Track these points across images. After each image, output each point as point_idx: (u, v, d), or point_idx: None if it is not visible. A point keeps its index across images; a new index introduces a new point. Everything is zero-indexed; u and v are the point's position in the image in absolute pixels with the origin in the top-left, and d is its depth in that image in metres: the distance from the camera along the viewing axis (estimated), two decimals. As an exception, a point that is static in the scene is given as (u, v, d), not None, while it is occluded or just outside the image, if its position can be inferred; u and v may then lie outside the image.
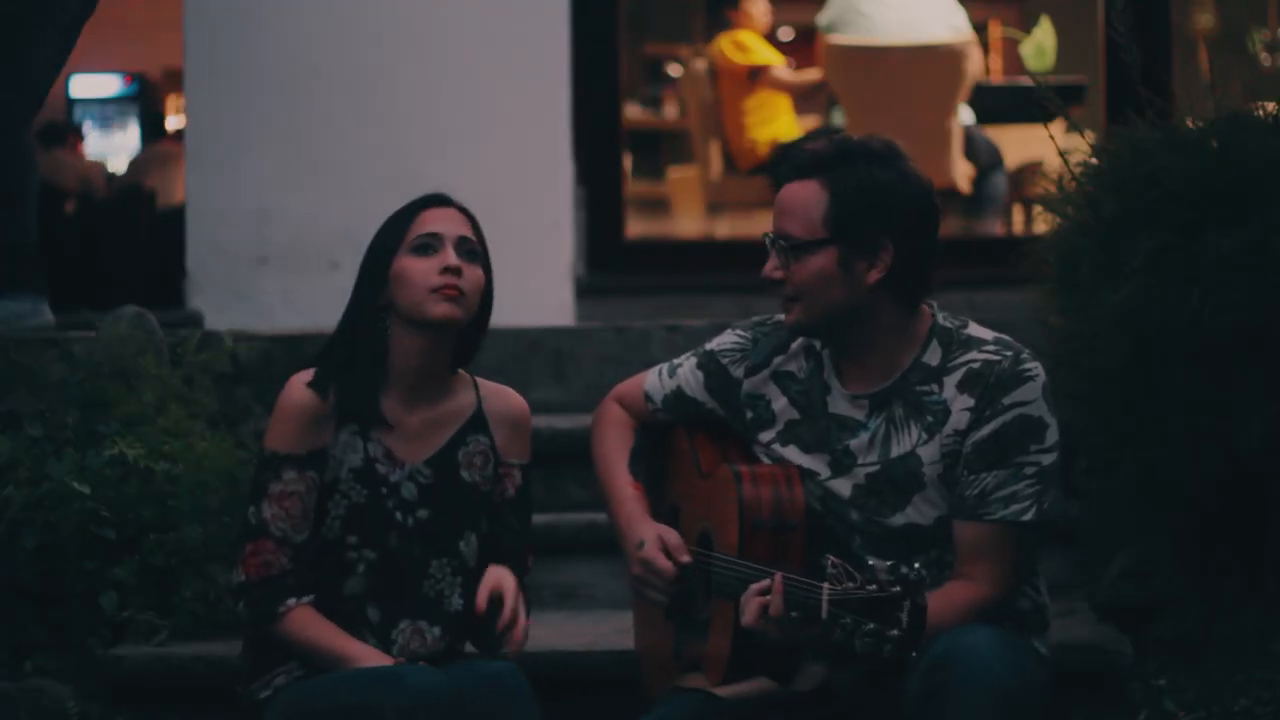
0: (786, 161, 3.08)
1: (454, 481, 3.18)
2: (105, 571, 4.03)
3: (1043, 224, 4.44)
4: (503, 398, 3.28)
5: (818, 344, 3.14)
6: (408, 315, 3.12)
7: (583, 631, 4.05)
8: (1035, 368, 3.02)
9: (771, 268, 3.06)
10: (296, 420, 3.09)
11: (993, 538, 2.98)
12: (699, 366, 3.26)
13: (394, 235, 3.15)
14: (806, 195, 3.02)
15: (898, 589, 2.61)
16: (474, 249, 3.16)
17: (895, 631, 2.60)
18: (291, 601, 3.07)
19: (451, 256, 3.11)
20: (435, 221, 3.14)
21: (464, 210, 3.19)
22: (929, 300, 3.11)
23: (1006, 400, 2.99)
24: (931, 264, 3.06)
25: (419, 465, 3.16)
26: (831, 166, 3.02)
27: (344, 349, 3.15)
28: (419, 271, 3.10)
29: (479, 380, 3.28)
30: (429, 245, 3.11)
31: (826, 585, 2.66)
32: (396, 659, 3.08)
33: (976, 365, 3.01)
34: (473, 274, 3.13)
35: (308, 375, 3.13)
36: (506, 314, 5.11)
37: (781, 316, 3.14)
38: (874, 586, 2.62)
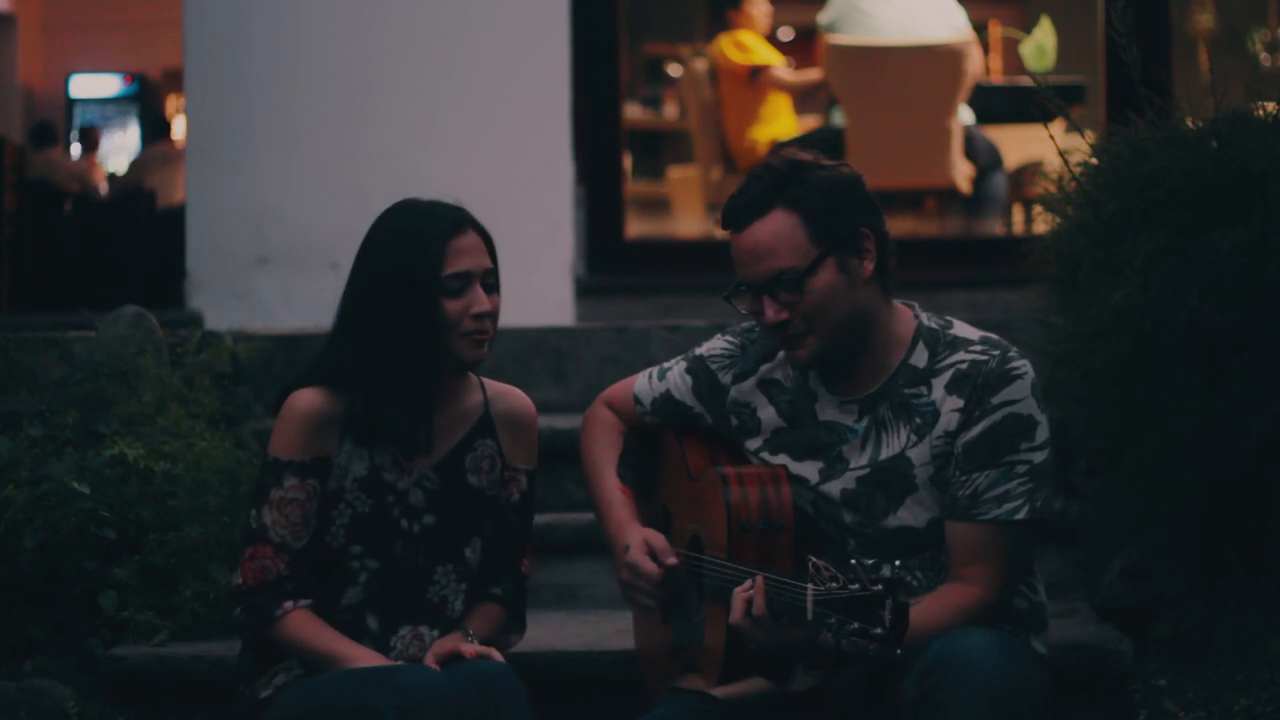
0: (734, 210, 3.04)
1: (461, 486, 3.17)
2: (105, 571, 4.04)
3: (1043, 224, 4.44)
4: (509, 400, 3.26)
5: None
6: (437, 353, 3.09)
7: (583, 631, 4.05)
8: (1023, 365, 3.02)
9: (775, 312, 3.00)
10: (302, 427, 3.07)
11: (987, 538, 2.97)
12: (688, 371, 3.25)
13: (428, 268, 3.05)
14: (778, 227, 2.99)
15: (879, 587, 2.61)
16: (495, 278, 3.12)
17: (879, 630, 2.60)
18: (288, 605, 3.06)
19: (482, 299, 3.07)
20: (464, 256, 3.07)
21: (482, 232, 3.13)
22: (908, 303, 3.11)
23: (995, 400, 2.98)
24: (890, 243, 3.06)
25: (426, 471, 3.15)
26: (781, 191, 3.00)
27: (382, 381, 3.07)
28: (451, 314, 3.06)
29: (485, 381, 3.25)
30: (460, 288, 3.07)
31: (810, 586, 2.66)
32: (394, 662, 3.07)
33: (964, 366, 3.01)
34: (497, 305, 3.11)
35: (324, 393, 3.09)
36: (507, 314, 5.09)
37: None
38: (856, 586, 2.62)
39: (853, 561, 2.67)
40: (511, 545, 3.25)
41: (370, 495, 3.11)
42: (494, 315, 3.10)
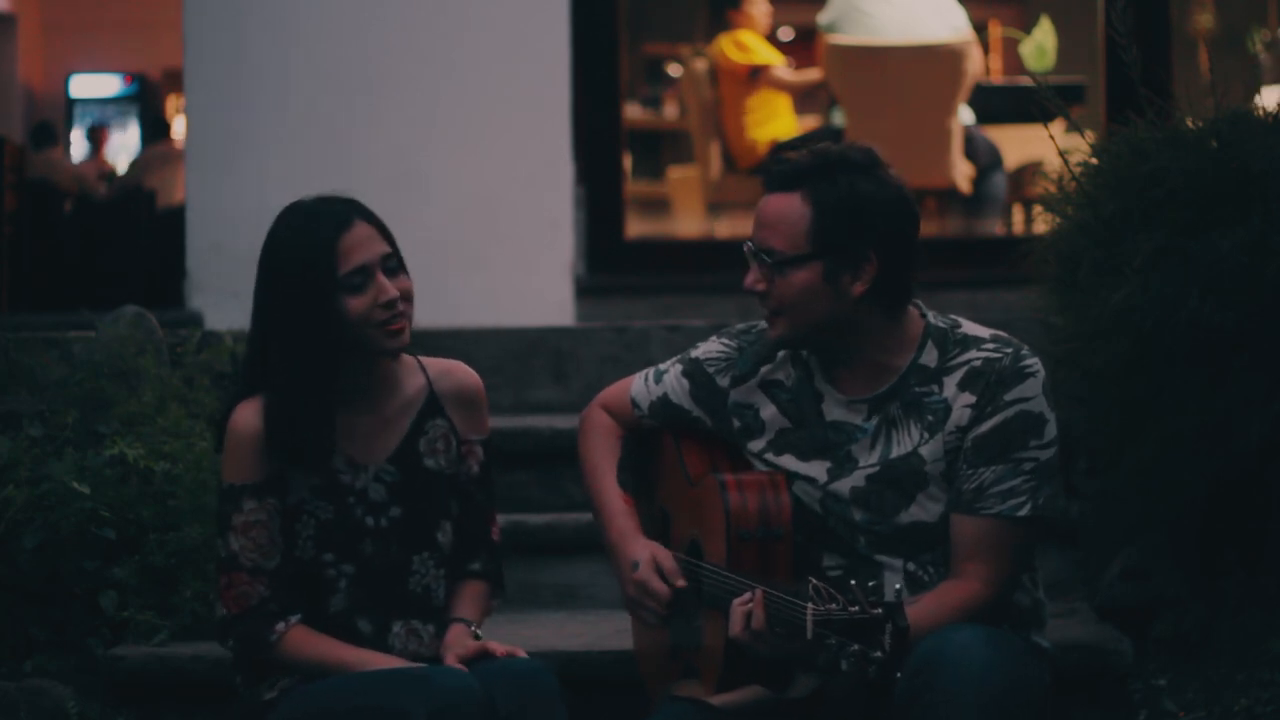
0: (769, 171, 3.04)
1: (420, 473, 3.14)
2: (105, 571, 4.03)
3: (1043, 224, 4.45)
4: (452, 376, 3.21)
5: (804, 351, 3.13)
6: (356, 348, 3.05)
7: (583, 631, 4.05)
8: (1035, 363, 3.02)
9: (754, 280, 3.03)
10: (248, 448, 3.04)
11: (989, 533, 2.97)
12: (684, 374, 3.23)
13: (322, 272, 2.99)
14: (788, 208, 2.99)
15: (879, 611, 2.60)
16: (396, 260, 3.06)
17: (879, 654, 2.59)
18: (280, 626, 3.03)
19: (387, 287, 3.01)
20: (357, 250, 3.01)
21: (371, 219, 3.06)
22: (914, 302, 3.10)
23: (1008, 396, 2.98)
24: (914, 269, 3.05)
25: (383, 464, 3.11)
26: (811, 179, 2.99)
27: (286, 393, 3.03)
28: (358, 311, 3.00)
29: (424, 360, 3.20)
30: (362, 283, 3.01)
31: (810, 606, 2.64)
32: (409, 663, 3.04)
33: (977, 363, 3.01)
34: (405, 287, 3.05)
35: (254, 404, 3.06)
36: (506, 314, 5.10)
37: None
38: (856, 608, 2.61)
39: (852, 583, 2.65)
40: (479, 519, 3.21)
41: (330, 501, 3.07)
42: (406, 296, 3.05)
